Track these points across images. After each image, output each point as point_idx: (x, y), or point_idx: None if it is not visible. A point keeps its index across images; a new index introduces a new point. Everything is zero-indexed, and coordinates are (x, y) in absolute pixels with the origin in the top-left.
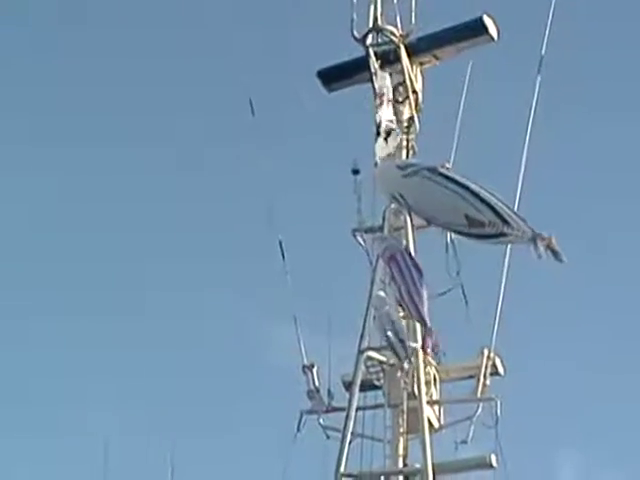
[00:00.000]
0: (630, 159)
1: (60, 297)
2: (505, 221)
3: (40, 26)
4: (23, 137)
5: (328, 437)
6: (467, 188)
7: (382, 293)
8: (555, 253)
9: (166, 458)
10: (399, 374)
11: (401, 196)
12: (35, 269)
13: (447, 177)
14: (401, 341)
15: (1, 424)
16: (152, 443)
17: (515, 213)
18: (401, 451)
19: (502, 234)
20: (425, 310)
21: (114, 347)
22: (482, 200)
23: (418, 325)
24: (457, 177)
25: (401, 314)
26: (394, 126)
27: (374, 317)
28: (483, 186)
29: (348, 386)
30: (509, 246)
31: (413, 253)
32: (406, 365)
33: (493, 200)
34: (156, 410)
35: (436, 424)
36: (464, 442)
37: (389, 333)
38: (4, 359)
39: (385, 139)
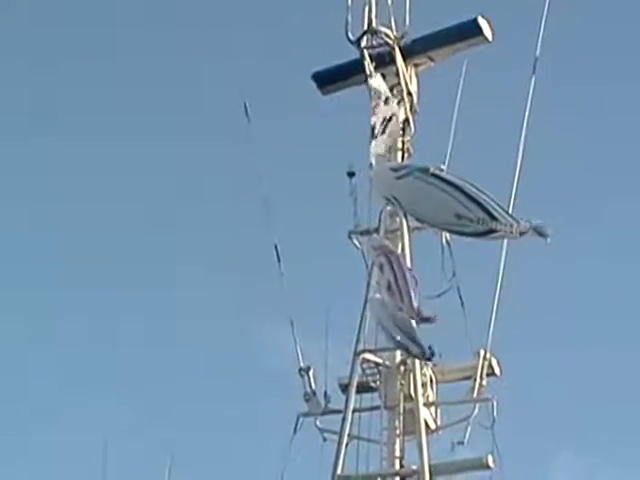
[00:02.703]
0: (626, 158)
1: (61, 297)
2: (494, 217)
3: (39, 26)
4: (23, 137)
5: (325, 439)
6: (457, 187)
7: (378, 295)
8: (541, 233)
9: (164, 460)
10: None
11: (394, 198)
12: (35, 269)
13: (439, 177)
14: (413, 339)
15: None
16: (151, 444)
17: (505, 210)
18: (398, 453)
19: (492, 230)
20: (414, 297)
21: (115, 347)
22: (471, 198)
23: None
24: (449, 177)
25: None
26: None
27: (378, 322)
28: (475, 185)
29: (344, 388)
30: (504, 248)
31: (409, 255)
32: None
33: (482, 197)
34: (154, 411)
35: (433, 425)
36: (461, 443)
37: (399, 337)
38: (4, 358)
39: (382, 131)
